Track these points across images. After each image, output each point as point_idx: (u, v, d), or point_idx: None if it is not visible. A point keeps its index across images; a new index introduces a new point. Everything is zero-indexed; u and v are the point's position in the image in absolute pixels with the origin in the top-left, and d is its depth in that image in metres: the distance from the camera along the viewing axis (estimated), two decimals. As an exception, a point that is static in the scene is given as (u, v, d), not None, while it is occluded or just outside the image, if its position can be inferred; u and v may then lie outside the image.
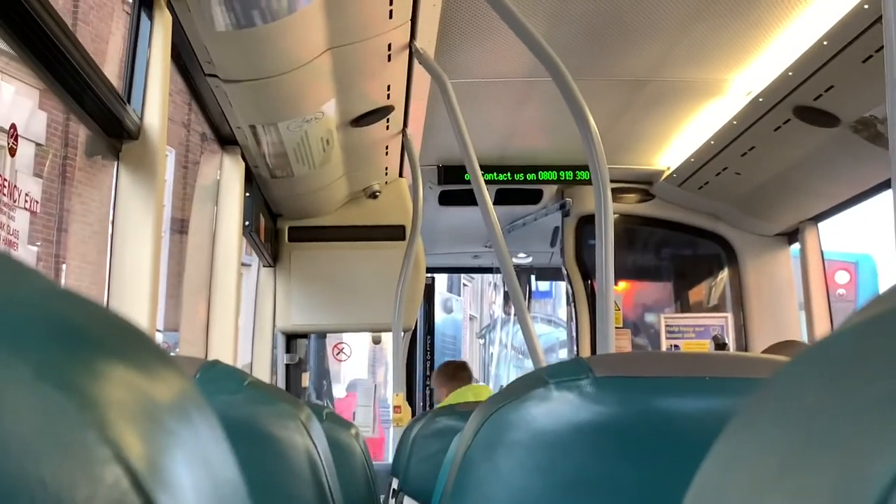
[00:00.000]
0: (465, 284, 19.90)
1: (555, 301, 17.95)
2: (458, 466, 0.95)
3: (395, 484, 2.74)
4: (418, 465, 2.31)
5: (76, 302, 0.28)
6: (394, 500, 2.66)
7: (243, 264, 4.44)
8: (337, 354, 7.98)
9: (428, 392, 6.03)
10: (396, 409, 4.10)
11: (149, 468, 0.26)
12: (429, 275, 5.54)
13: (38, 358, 0.25)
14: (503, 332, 15.23)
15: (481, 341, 18.25)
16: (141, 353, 0.30)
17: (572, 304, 4.59)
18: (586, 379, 0.91)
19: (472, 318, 20.46)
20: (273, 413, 1.06)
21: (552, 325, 17.65)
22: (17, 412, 0.24)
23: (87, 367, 0.26)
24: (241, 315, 4.07)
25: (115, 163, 2.10)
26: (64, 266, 7.28)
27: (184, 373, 0.32)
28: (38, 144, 7.55)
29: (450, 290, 18.48)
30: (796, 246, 4.39)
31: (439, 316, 17.44)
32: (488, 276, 19.91)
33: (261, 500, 1.02)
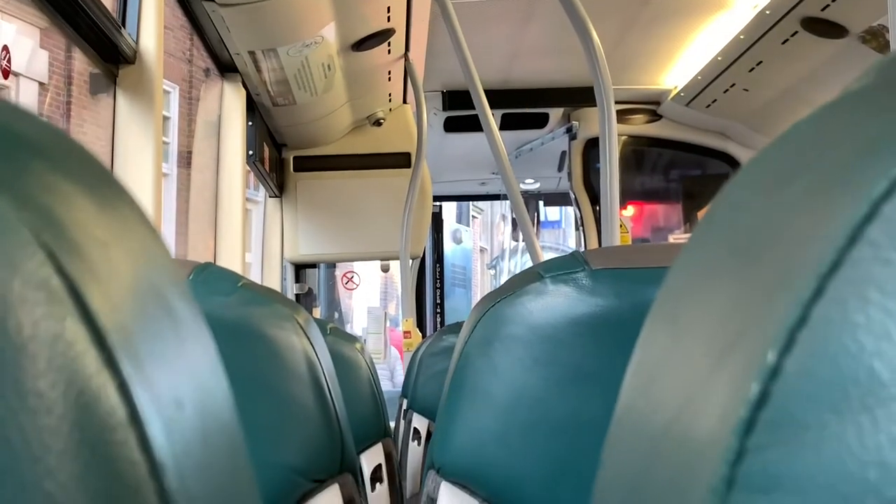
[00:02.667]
0: (474, 216, 19.86)
1: (565, 230, 17.92)
2: (455, 364, 0.96)
3: (404, 404, 2.78)
4: (425, 382, 2.34)
5: (32, 118, 0.26)
6: (404, 419, 2.69)
7: (250, 200, 4.42)
8: (346, 283, 7.99)
9: (438, 320, 6.06)
10: (406, 334, 4.13)
11: (105, 305, 0.23)
12: (436, 203, 5.53)
13: None
14: (512, 261, 15.26)
15: (492, 272, 18.31)
16: (105, 186, 0.27)
17: (581, 229, 4.58)
18: (582, 272, 0.91)
19: (482, 249, 20.47)
20: (268, 314, 1.05)
21: (558, 254, 17.65)
22: None
23: (23, 165, 0.24)
24: (251, 250, 4.08)
25: (113, 89, 2.09)
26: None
27: (160, 238, 0.29)
28: (40, 83, 7.51)
29: (459, 220, 18.45)
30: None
31: (449, 246, 17.48)
32: (498, 209, 19.85)
33: (256, 402, 1.02)
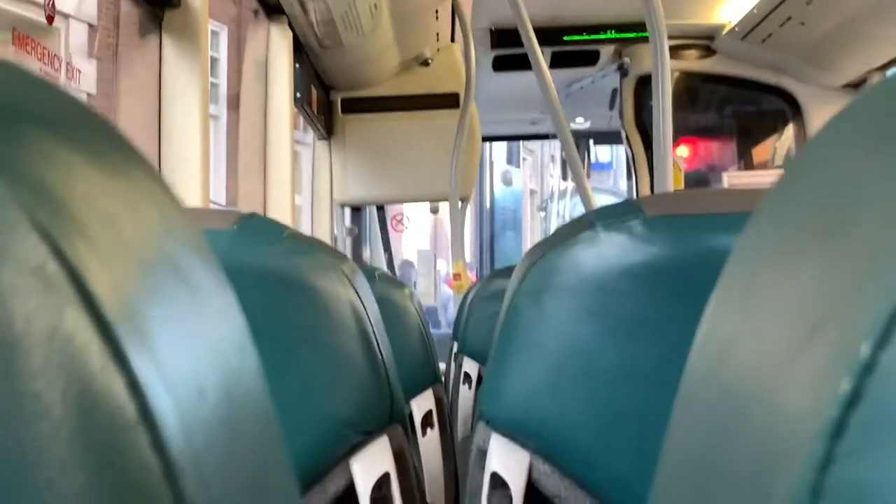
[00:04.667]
0: (524, 158, 19.76)
1: (616, 173, 17.80)
2: (505, 315, 0.95)
3: (455, 347, 2.78)
4: (476, 326, 2.34)
5: (34, 81, 0.24)
6: (454, 363, 2.70)
7: (298, 143, 4.40)
8: (396, 225, 8.02)
9: (489, 261, 6.06)
10: (456, 276, 4.13)
11: (112, 290, 0.21)
12: (485, 143, 5.50)
13: None
14: (561, 204, 15.24)
15: (542, 214, 18.29)
16: (113, 151, 0.25)
17: (632, 168, 4.53)
18: (636, 219, 0.89)
19: (532, 192, 20.41)
20: (313, 264, 1.04)
21: (614, 198, 17.59)
22: None
23: (14, 132, 0.21)
24: (301, 193, 4.10)
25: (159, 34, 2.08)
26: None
27: (178, 204, 0.27)
28: (90, 25, 7.54)
29: (509, 161, 18.36)
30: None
31: (498, 188, 17.43)
32: (548, 149, 19.72)
33: (302, 355, 1.02)
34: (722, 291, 0.29)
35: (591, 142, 6.73)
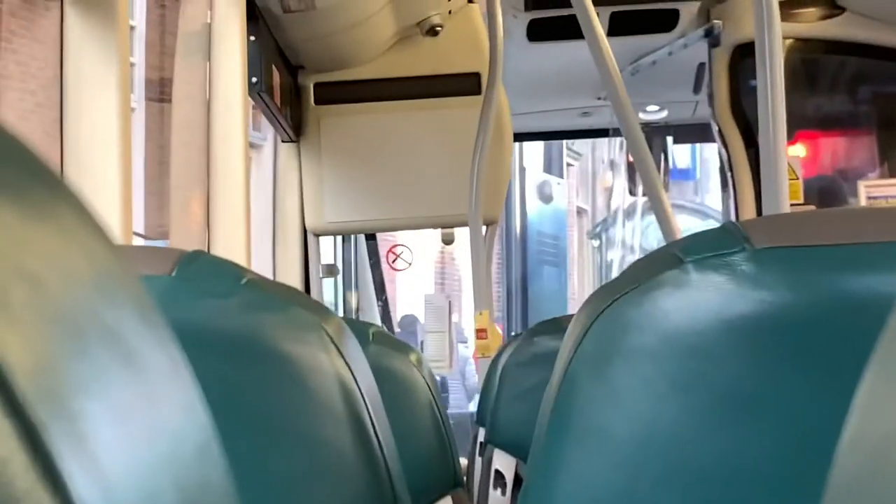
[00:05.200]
0: (569, 164, 19.77)
1: (699, 183, 17.79)
2: (557, 388, 0.95)
3: (481, 435, 2.78)
4: (510, 404, 2.33)
5: None
6: (480, 457, 2.69)
7: (252, 144, 4.41)
8: (393, 261, 7.98)
9: (519, 310, 6.00)
10: (480, 333, 4.13)
11: (35, 374, 0.22)
12: (517, 143, 5.52)
13: None
14: (628, 227, 15.18)
15: (595, 243, 18.24)
16: (43, 193, 0.26)
17: (728, 173, 4.54)
18: (741, 252, 0.90)
19: (580, 211, 20.41)
20: (284, 322, 1.05)
21: (700, 219, 17.57)
22: None
23: None
24: (253, 212, 4.10)
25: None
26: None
27: (115, 249, 0.28)
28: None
29: (548, 169, 18.30)
30: None
31: (533, 206, 17.39)
32: (604, 151, 19.69)
33: (272, 448, 1.02)
34: (878, 373, 0.29)
35: (670, 140, 6.75)
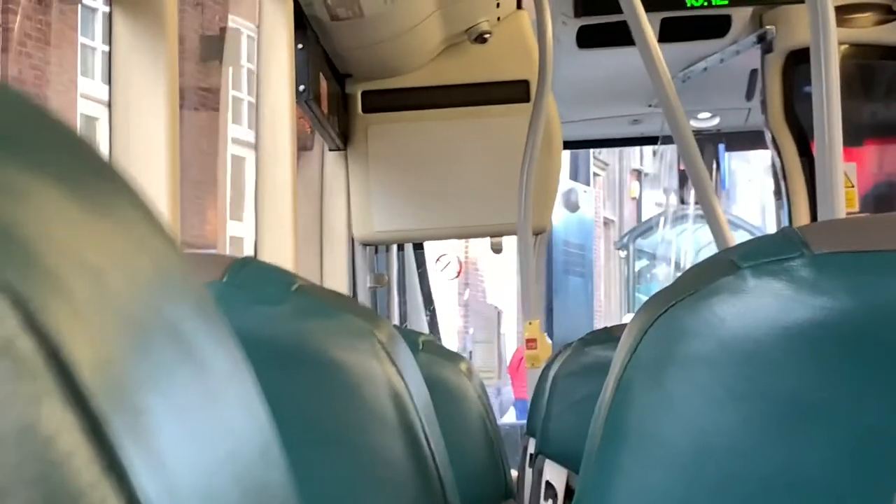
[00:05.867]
0: (595, 173, 19.66)
1: (731, 196, 17.65)
2: (611, 397, 0.95)
3: (531, 446, 2.78)
4: (561, 415, 2.33)
5: None
6: (531, 468, 2.69)
7: (240, 142, 4.42)
8: (442, 270, 7.99)
9: (542, 323, 6.01)
10: (530, 343, 4.13)
11: (102, 372, 0.22)
12: (567, 150, 5.52)
13: None
14: (674, 232, 15.10)
15: (622, 254, 18.15)
16: (105, 190, 0.26)
17: (782, 181, 4.52)
18: (799, 258, 0.89)
19: (607, 221, 20.30)
20: (336, 329, 1.06)
21: (737, 232, 17.51)
22: None
23: None
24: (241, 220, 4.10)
25: (109, 8, 2.13)
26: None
27: (175, 247, 0.29)
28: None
29: (574, 177, 18.15)
30: None
31: (559, 215, 17.25)
32: (632, 160, 19.59)
33: (324, 455, 1.03)
34: None
35: (722, 147, 6.74)
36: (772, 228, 7.35)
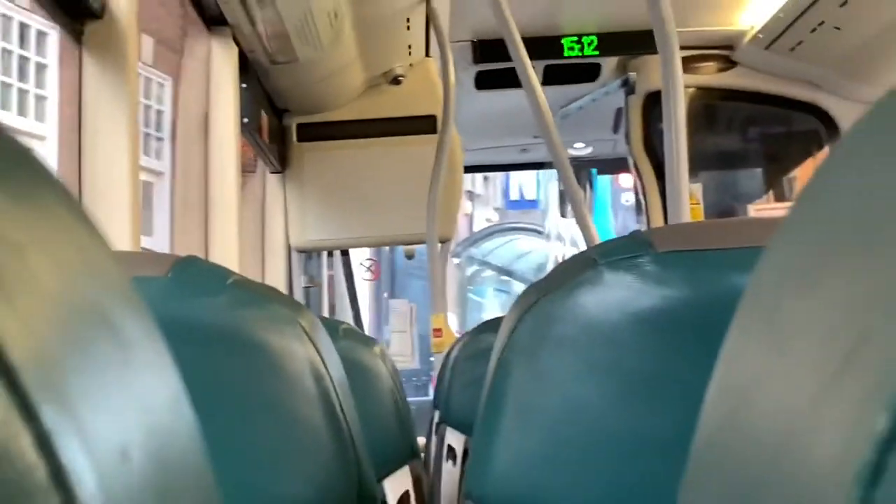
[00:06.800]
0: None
1: (545, 213, 17.80)
2: (493, 373, 0.96)
3: (436, 417, 2.78)
4: (461, 391, 2.34)
5: None
6: (436, 435, 2.69)
7: (148, 170, 4.38)
8: (364, 272, 8.03)
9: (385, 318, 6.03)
10: (437, 332, 4.14)
11: (28, 347, 0.21)
12: (466, 174, 5.55)
13: None
14: (491, 246, 15.26)
15: (457, 261, 18.17)
16: (27, 177, 0.25)
17: (642, 199, 4.57)
18: (646, 255, 0.90)
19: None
20: (265, 317, 1.05)
21: (536, 236, 17.71)
22: None
23: None
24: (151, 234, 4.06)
25: (79, 49, 2.09)
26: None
27: (102, 239, 0.27)
28: None
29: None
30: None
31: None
32: (465, 182, 19.63)
33: (252, 425, 1.02)
34: (738, 330, 0.30)
35: (594, 171, 6.80)
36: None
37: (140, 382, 0.27)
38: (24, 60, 9.34)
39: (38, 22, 9.23)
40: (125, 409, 0.25)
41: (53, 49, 9.59)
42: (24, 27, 9.33)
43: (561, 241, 15.78)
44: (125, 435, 0.24)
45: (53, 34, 9.35)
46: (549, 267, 15.38)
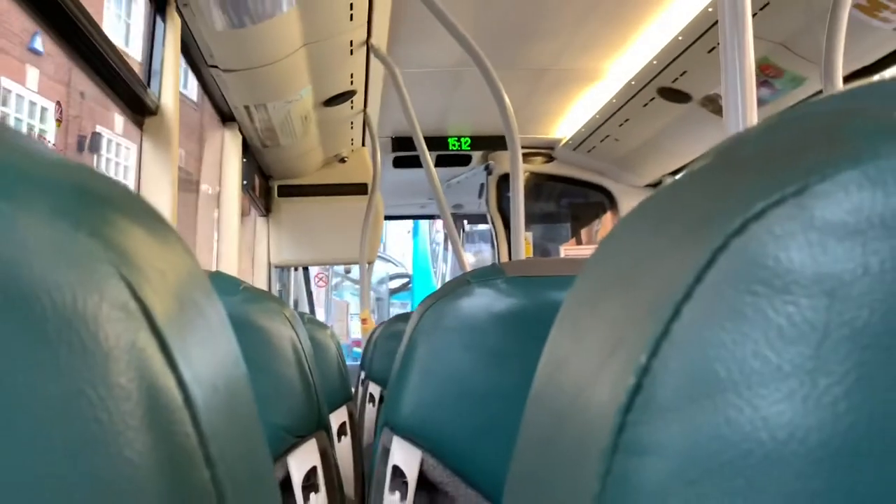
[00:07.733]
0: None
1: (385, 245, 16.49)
2: (405, 346, 0.95)
3: (362, 375, 2.75)
4: (380, 358, 2.31)
5: (105, 179, 0.25)
6: (362, 387, 2.66)
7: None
8: (318, 281, 7.92)
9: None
10: (364, 321, 4.10)
11: (166, 319, 0.23)
12: (386, 220, 5.50)
13: (55, 202, 0.21)
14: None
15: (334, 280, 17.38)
16: (159, 227, 0.26)
17: (495, 243, 4.57)
18: (500, 278, 0.91)
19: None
20: (264, 310, 1.04)
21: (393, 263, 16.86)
22: (31, 241, 0.20)
23: (104, 216, 0.23)
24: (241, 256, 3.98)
25: (140, 134, 2.05)
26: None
27: (195, 260, 0.28)
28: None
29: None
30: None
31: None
32: None
33: (254, 377, 1.00)
34: (557, 328, 0.31)
35: (466, 221, 6.78)
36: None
37: (219, 347, 0.27)
38: (116, 165, 10.05)
39: (126, 142, 10.01)
40: (214, 362, 0.26)
41: (133, 155, 9.66)
42: (118, 144, 10.14)
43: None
44: (215, 377, 0.26)
45: (133, 148, 9.60)
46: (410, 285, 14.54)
